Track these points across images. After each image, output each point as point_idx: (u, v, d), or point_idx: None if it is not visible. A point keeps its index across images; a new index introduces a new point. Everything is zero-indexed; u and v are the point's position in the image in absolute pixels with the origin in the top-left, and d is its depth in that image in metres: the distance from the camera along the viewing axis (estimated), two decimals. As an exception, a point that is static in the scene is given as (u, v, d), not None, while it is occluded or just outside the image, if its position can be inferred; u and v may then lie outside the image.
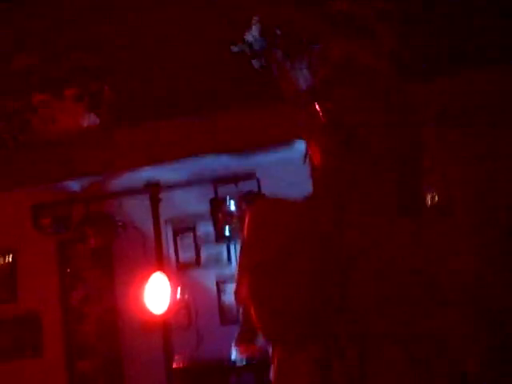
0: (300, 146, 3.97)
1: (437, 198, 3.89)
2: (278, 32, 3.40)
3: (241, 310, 4.05)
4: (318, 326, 1.22)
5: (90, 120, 4.10)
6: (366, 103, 1.29)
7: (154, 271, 4.17)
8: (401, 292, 1.23)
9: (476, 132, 3.89)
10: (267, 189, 4.02)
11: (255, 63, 3.56)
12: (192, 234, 4.60)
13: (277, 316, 1.22)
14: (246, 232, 1.37)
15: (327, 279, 1.21)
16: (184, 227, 4.59)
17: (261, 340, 3.44)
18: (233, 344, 4.08)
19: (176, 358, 4.21)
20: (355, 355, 1.20)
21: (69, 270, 4.68)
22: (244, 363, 3.90)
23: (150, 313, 4.19)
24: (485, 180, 3.94)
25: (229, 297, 4.55)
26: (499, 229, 3.80)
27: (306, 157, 1.36)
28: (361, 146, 1.25)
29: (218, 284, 4.59)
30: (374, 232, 1.28)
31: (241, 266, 1.35)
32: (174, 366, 4.14)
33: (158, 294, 4.13)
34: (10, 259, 4.67)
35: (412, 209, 1.34)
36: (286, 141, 3.68)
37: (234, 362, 3.97)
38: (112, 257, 4.64)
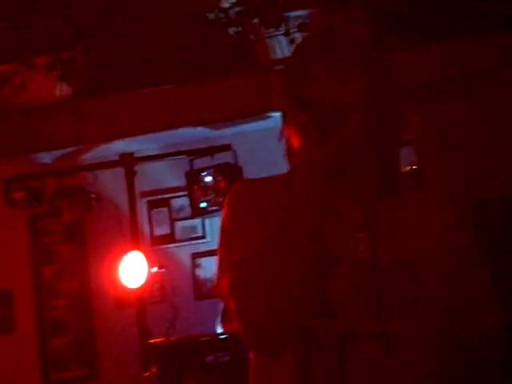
0: (276, 116, 3.95)
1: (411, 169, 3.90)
2: (254, -2, 3.35)
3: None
4: (299, 328, 1.16)
5: (62, 90, 4.00)
6: (343, 78, 1.22)
7: (129, 246, 4.11)
8: (382, 286, 1.18)
9: (452, 103, 3.89)
10: (243, 160, 3.98)
11: (231, 31, 3.50)
12: (167, 207, 4.55)
13: (259, 318, 1.13)
14: (224, 220, 1.28)
15: (310, 276, 1.15)
16: (159, 201, 4.54)
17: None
18: (218, 319, 4.05)
19: (151, 333, 4.16)
20: (335, 354, 1.15)
21: (41, 245, 4.59)
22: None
23: (124, 288, 4.13)
24: (459, 152, 3.94)
25: (204, 271, 4.51)
26: (471, 202, 3.81)
27: (281, 134, 1.29)
28: (338, 129, 1.18)
29: (192, 258, 4.54)
30: (355, 223, 1.22)
31: (221, 259, 1.26)
32: (151, 341, 4.09)
33: (132, 271, 4.07)
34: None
35: (392, 190, 1.28)
36: (261, 111, 3.64)
37: (213, 339, 3.93)
38: (85, 231, 4.56)
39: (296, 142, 1.23)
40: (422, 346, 1.19)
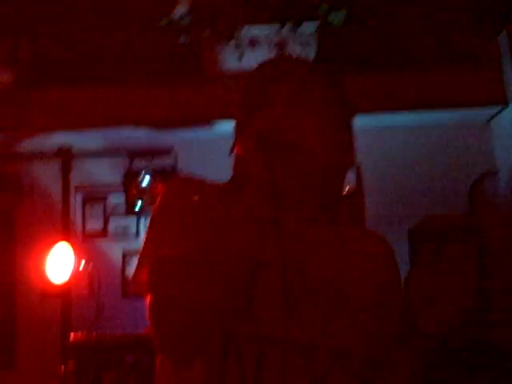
0: (220, 126, 3.99)
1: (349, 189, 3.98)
2: (208, 9, 3.36)
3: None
4: (219, 332, 1.14)
5: (4, 76, 3.91)
6: (299, 111, 1.22)
7: (59, 240, 4.05)
8: (308, 301, 1.20)
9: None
10: (184, 166, 3.99)
11: (182, 39, 3.50)
12: (102, 203, 4.50)
13: (176, 322, 1.10)
14: (155, 213, 1.26)
15: (236, 283, 1.14)
16: (94, 196, 4.48)
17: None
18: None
19: (74, 328, 4.11)
20: (253, 360, 1.15)
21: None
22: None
23: (51, 280, 4.07)
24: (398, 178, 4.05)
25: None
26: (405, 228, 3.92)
27: (232, 149, 1.29)
28: (290, 157, 1.19)
29: (124, 257, 4.51)
30: (291, 236, 1.23)
31: (145, 250, 1.23)
32: (72, 336, 4.04)
33: (60, 263, 4.02)
34: None
35: (330, 216, 1.30)
36: (206, 120, 3.66)
37: (135, 339, 3.91)
38: (15, 220, 4.46)
39: (244, 163, 1.24)
40: (343, 359, 1.21)
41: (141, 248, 1.24)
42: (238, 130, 1.28)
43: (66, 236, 4.03)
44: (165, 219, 1.23)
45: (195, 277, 1.10)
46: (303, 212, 1.26)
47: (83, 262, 4.29)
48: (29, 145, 4.17)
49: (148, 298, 1.14)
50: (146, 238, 1.25)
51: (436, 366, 2.91)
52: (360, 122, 3.83)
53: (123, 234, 4.52)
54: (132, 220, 4.46)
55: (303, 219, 1.26)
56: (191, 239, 1.15)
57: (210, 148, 3.49)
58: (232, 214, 1.17)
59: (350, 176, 4.04)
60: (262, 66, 1.32)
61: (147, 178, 3.90)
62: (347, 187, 4.06)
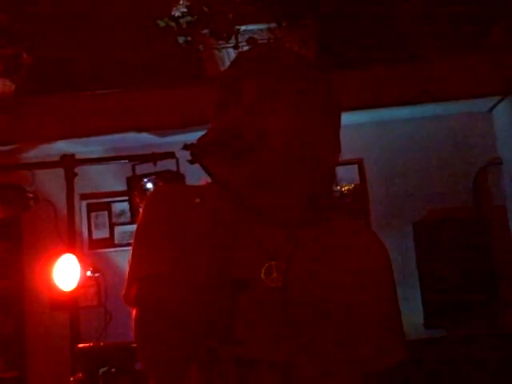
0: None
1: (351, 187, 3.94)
2: (206, 9, 3.34)
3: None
4: (202, 350, 1.14)
5: (5, 86, 3.92)
6: (279, 99, 1.15)
7: (65, 248, 4.03)
8: (289, 318, 1.16)
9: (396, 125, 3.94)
10: (186, 169, 3.96)
11: (181, 40, 3.49)
12: (107, 211, 4.48)
13: (161, 337, 1.10)
14: (139, 226, 1.25)
15: (217, 300, 1.12)
16: (99, 204, 4.46)
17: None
18: None
19: (83, 338, 4.09)
20: (236, 382, 1.13)
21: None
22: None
23: (59, 290, 4.06)
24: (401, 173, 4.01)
25: (141, 278, 4.45)
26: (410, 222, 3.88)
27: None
28: (267, 153, 1.13)
29: (130, 264, 4.48)
30: (271, 250, 1.19)
31: (131, 268, 1.22)
32: (80, 345, 4.02)
33: (66, 274, 4.00)
34: None
35: (318, 218, 1.23)
36: (207, 121, 3.63)
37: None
38: (21, 230, 4.46)
39: (211, 163, 1.21)
40: (323, 379, 1.18)
41: (129, 264, 1.23)
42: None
43: (72, 246, 4.00)
44: (147, 234, 1.23)
45: (175, 297, 1.11)
46: (284, 214, 1.20)
47: (90, 271, 4.28)
48: (32, 154, 4.17)
49: (134, 313, 1.15)
50: (133, 254, 1.23)
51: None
52: (362, 116, 3.81)
53: (129, 242, 4.48)
54: (137, 227, 4.42)
55: (284, 225, 1.21)
56: (176, 256, 1.14)
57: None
58: (212, 224, 1.14)
59: (353, 174, 4.00)
60: (236, 60, 1.26)
61: (150, 183, 3.87)
62: (349, 186, 4.01)
